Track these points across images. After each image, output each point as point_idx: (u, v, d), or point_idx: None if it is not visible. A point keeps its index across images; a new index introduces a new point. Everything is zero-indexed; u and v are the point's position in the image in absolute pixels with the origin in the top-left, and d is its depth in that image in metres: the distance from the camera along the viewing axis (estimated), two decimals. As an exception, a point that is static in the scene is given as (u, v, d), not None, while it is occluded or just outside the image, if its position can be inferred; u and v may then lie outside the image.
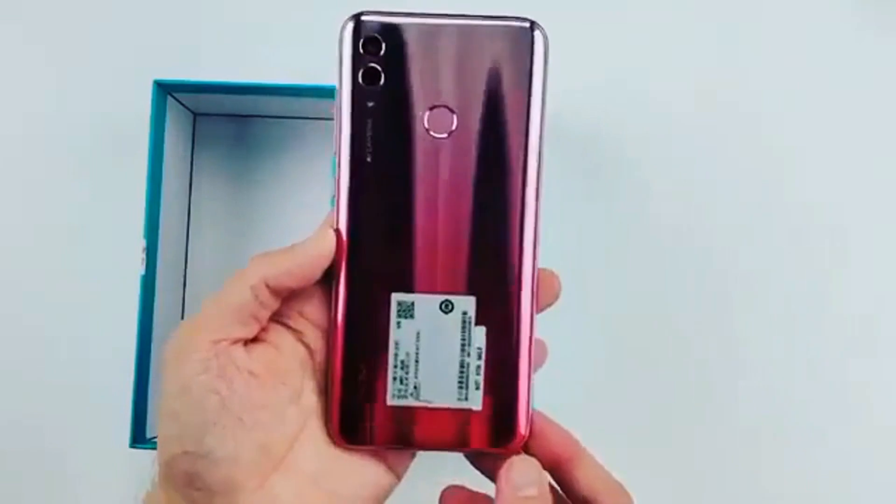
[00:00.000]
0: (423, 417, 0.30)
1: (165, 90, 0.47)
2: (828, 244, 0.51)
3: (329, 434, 0.30)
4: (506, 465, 0.29)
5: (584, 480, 0.30)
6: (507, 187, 0.30)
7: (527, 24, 0.30)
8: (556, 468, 0.30)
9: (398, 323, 0.30)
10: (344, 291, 0.30)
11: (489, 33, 0.30)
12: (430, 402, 0.30)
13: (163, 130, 0.47)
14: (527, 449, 0.30)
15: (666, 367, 0.51)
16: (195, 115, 0.52)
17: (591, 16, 0.53)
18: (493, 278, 0.31)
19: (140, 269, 0.45)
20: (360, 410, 0.30)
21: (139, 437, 0.45)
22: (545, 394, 0.45)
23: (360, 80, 0.30)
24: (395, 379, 0.30)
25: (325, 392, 0.30)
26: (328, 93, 0.45)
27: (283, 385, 0.29)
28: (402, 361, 0.30)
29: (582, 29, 0.53)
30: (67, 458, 0.50)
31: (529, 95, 0.30)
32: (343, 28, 0.30)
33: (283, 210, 0.52)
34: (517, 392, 0.30)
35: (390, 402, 0.30)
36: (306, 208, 0.51)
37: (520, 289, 0.30)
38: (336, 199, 0.30)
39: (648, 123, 0.52)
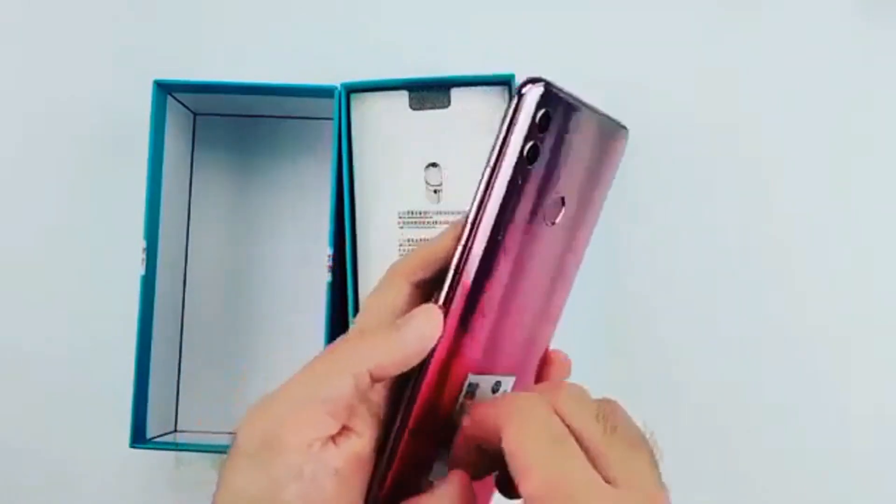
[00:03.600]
0: None
1: (165, 90, 0.47)
2: (826, 244, 0.51)
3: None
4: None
5: None
6: (566, 276, 0.31)
7: (625, 129, 0.30)
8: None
9: (461, 402, 0.29)
10: (433, 368, 0.27)
11: (607, 129, 0.29)
12: None
13: (163, 130, 0.47)
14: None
15: (660, 365, 0.51)
16: (195, 115, 0.52)
17: (590, 17, 0.53)
18: (529, 360, 0.31)
19: (140, 269, 0.45)
20: (407, 491, 0.28)
21: (139, 437, 0.45)
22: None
23: (524, 153, 0.26)
24: (440, 460, 0.29)
25: (379, 463, 0.28)
26: (328, 93, 0.45)
27: (361, 479, 0.27)
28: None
29: (581, 30, 0.53)
30: (67, 458, 0.50)
31: (603, 198, 0.30)
32: (527, 91, 0.26)
33: (282, 210, 0.52)
34: None
35: (433, 479, 0.29)
36: (306, 208, 0.51)
37: (535, 367, 0.31)
38: (457, 269, 0.27)
39: (647, 124, 0.52)
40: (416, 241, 0.46)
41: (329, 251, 0.45)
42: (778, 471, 0.50)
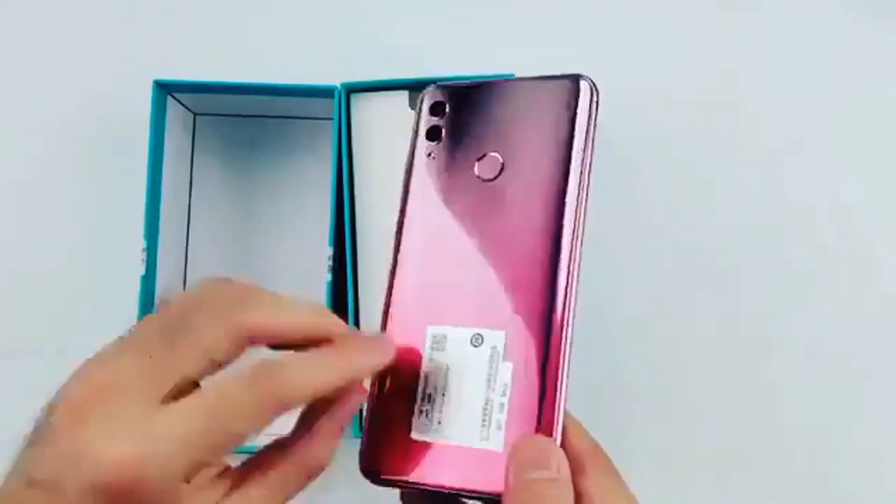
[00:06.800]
0: (446, 456, 0.29)
1: (165, 90, 0.47)
2: (826, 244, 0.52)
3: (361, 470, 0.30)
4: (513, 446, 0.27)
5: (593, 490, 0.27)
6: (544, 229, 0.31)
7: (571, 79, 0.32)
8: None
9: (430, 356, 0.30)
10: (387, 325, 0.31)
11: (537, 89, 0.33)
12: (450, 439, 0.29)
13: (163, 130, 0.47)
14: None
15: (661, 365, 0.51)
16: (195, 115, 0.52)
17: (590, 17, 0.53)
18: (525, 316, 0.30)
19: (140, 269, 0.45)
20: (387, 444, 0.30)
21: (139, 437, 0.45)
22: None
23: (425, 136, 0.33)
24: (420, 412, 0.30)
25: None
26: (328, 93, 0.45)
27: None
28: (430, 395, 0.30)
29: (581, 30, 0.53)
30: (67, 458, 0.50)
31: (570, 142, 0.31)
32: (423, 92, 0.34)
33: (282, 210, 0.52)
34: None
35: (414, 436, 0.30)
36: (306, 208, 0.51)
37: (550, 328, 0.30)
38: (396, 234, 0.32)
39: (646, 123, 0.52)
40: (416, 240, 0.46)
41: (329, 251, 0.45)
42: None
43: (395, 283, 0.32)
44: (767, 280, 0.51)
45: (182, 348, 0.25)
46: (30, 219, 0.52)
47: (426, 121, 0.33)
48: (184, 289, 0.52)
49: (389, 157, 0.47)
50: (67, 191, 0.52)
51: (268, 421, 0.25)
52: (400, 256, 0.32)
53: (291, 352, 0.27)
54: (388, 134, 0.47)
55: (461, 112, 0.33)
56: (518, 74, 0.45)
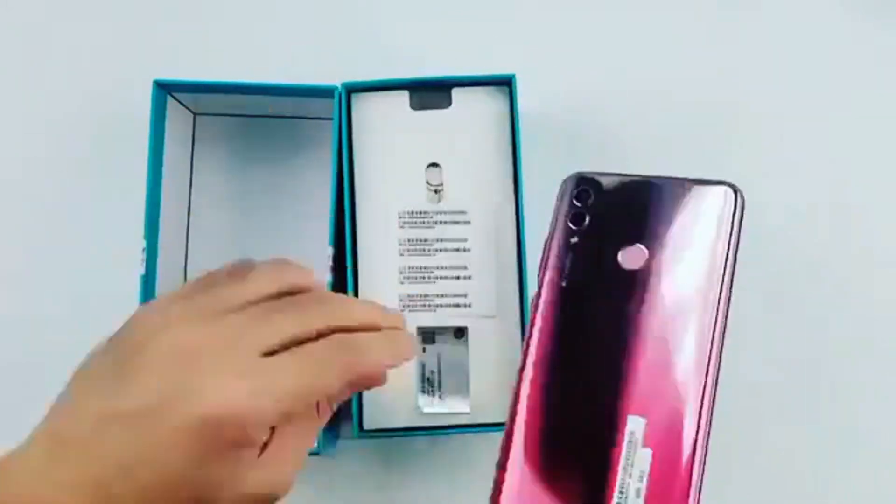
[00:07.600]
0: None
1: (165, 90, 0.47)
2: (825, 245, 0.52)
3: None
4: None
5: None
6: (688, 322, 0.32)
7: (722, 186, 0.33)
8: None
9: None
10: (517, 406, 0.31)
11: (688, 190, 0.34)
12: None
13: (163, 130, 0.47)
14: None
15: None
16: (195, 115, 0.52)
17: (590, 17, 0.53)
18: (667, 405, 0.31)
19: (140, 269, 0.45)
20: None
21: (139, 438, 0.45)
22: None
23: (568, 219, 0.34)
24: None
25: None
26: (328, 93, 0.45)
27: None
28: None
29: (581, 30, 0.53)
30: (67, 458, 0.50)
31: (717, 245, 0.33)
32: (567, 179, 0.35)
33: (283, 210, 0.52)
34: None
35: None
36: (306, 208, 0.51)
37: (691, 419, 0.30)
38: (531, 318, 0.33)
39: (646, 124, 0.52)
40: (416, 240, 0.46)
41: (329, 251, 0.45)
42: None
43: (527, 362, 0.32)
44: (768, 280, 0.51)
45: (287, 316, 0.30)
46: (30, 219, 0.52)
47: (570, 206, 0.34)
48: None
49: (389, 157, 0.47)
50: (67, 191, 0.52)
51: (348, 389, 0.30)
52: (535, 335, 0.32)
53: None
54: (388, 134, 0.47)
55: (607, 201, 0.34)
56: (518, 75, 0.45)
